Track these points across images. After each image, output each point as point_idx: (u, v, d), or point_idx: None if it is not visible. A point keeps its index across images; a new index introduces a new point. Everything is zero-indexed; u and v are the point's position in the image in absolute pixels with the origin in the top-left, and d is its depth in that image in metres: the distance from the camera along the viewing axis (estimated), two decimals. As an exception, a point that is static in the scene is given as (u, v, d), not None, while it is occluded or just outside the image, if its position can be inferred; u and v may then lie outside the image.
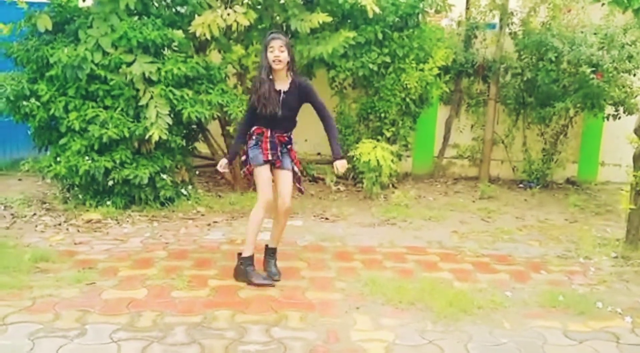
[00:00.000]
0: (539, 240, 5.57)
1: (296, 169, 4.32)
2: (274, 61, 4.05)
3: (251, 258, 4.24)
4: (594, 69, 6.58)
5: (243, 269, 4.23)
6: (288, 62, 4.11)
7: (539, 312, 3.92)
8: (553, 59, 6.94)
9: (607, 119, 7.33)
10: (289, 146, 4.30)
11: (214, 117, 6.28)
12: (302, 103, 4.26)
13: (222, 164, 4.42)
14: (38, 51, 5.68)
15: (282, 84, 4.17)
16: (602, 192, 7.64)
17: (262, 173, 4.17)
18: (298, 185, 4.39)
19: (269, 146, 4.18)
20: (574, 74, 6.98)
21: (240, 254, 4.30)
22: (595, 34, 6.81)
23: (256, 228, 4.22)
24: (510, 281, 4.46)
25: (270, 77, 4.12)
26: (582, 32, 6.97)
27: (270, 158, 4.17)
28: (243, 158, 4.39)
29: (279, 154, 4.22)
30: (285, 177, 4.24)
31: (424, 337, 3.50)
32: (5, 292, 3.88)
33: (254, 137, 4.23)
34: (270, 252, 4.43)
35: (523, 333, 3.60)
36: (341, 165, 4.26)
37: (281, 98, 4.13)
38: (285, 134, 4.26)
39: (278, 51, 4.03)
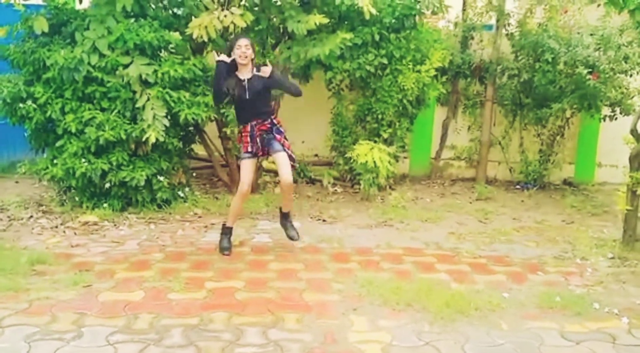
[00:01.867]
0: (535, 241, 5.58)
1: (288, 152, 4.78)
2: (240, 56, 4.67)
3: (228, 228, 4.93)
4: (590, 70, 6.59)
5: (221, 234, 4.96)
6: (252, 59, 4.78)
7: (536, 312, 3.93)
8: (550, 60, 6.94)
9: (604, 120, 7.33)
10: (273, 132, 4.78)
11: (211, 119, 6.27)
12: (269, 88, 4.82)
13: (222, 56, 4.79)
14: (34, 53, 5.67)
15: (246, 74, 4.75)
16: (598, 193, 7.64)
17: (244, 165, 4.81)
18: (291, 162, 4.81)
19: (249, 139, 4.77)
20: (570, 75, 6.98)
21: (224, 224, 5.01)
22: (591, 35, 6.82)
23: (235, 215, 4.93)
24: (507, 282, 4.46)
25: (236, 73, 4.75)
26: (578, 33, 6.99)
27: (250, 149, 4.77)
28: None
29: (261, 143, 4.76)
30: (280, 158, 4.75)
31: (421, 338, 3.50)
32: (2, 295, 3.87)
33: (241, 135, 4.84)
34: (284, 216, 5.02)
35: (520, 334, 3.60)
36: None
37: (245, 84, 4.70)
38: (266, 122, 4.77)
39: (244, 48, 4.68)
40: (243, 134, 4.80)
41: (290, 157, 4.78)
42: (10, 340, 3.31)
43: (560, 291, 4.25)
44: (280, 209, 5.07)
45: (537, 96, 7.38)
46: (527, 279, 4.54)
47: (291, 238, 4.99)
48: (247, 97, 4.70)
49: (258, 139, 4.75)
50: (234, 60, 4.71)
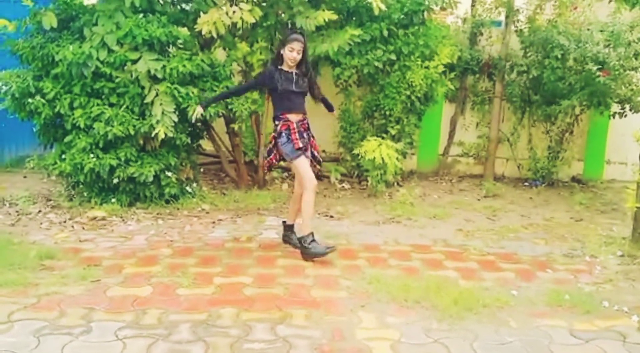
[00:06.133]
0: (544, 238, 5.55)
1: (316, 155, 4.85)
2: (290, 59, 4.60)
3: (312, 234, 4.70)
4: (600, 66, 6.55)
5: (307, 245, 4.66)
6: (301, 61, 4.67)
7: (545, 310, 3.90)
8: (559, 56, 6.91)
9: (613, 117, 7.29)
10: (311, 134, 4.80)
11: (219, 115, 6.28)
12: (310, 88, 4.81)
13: (197, 110, 5.01)
14: (43, 49, 5.68)
15: (292, 68, 4.71)
16: (607, 190, 7.61)
17: (302, 162, 4.67)
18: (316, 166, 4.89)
19: (297, 136, 4.65)
20: (580, 71, 6.94)
21: (300, 237, 4.76)
22: (601, 31, 6.77)
23: (312, 210, 4.71)
24: (515, 279, 4.44)
25: (279, 66, 4.70)
26: (588, 29, 6.94)
27: (301, 145, 4.64)
28: (267, 148, 4.92)
29: (307, 140, 4.73)
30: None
31: (430, 335, 3.49)
32: (11, 289, 3.89)
33: (283, 134, 4.66)
34: (288, 227, 4.99)
35: (529, 332, 3.58)
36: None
37: (293, 77, 4.67)
38: (304, 121, 4.76)
39: (296, 53, 4.58)
40: (291, 132, 4.63)
41: (318, 161, 4.89)
42: (19, 335, 3.32)
43: (570, 289, 4.23)
44: (284, 222, 5.05)
45: (546, 92, 7.35)
46: (535, 277, 4.52)
47: (294, 245, 4.88)
48: (294, 88, 4.65)
49: (305, 135, 4.72)
50: (280, 54, 4.65)
